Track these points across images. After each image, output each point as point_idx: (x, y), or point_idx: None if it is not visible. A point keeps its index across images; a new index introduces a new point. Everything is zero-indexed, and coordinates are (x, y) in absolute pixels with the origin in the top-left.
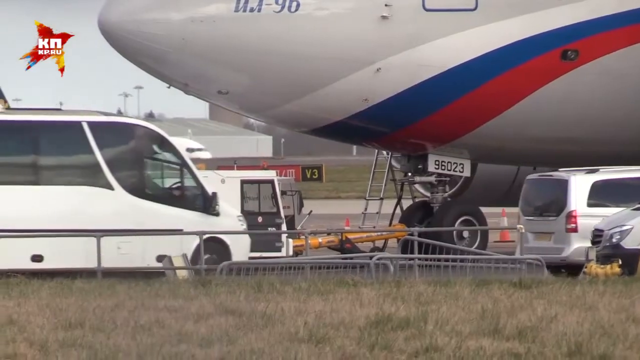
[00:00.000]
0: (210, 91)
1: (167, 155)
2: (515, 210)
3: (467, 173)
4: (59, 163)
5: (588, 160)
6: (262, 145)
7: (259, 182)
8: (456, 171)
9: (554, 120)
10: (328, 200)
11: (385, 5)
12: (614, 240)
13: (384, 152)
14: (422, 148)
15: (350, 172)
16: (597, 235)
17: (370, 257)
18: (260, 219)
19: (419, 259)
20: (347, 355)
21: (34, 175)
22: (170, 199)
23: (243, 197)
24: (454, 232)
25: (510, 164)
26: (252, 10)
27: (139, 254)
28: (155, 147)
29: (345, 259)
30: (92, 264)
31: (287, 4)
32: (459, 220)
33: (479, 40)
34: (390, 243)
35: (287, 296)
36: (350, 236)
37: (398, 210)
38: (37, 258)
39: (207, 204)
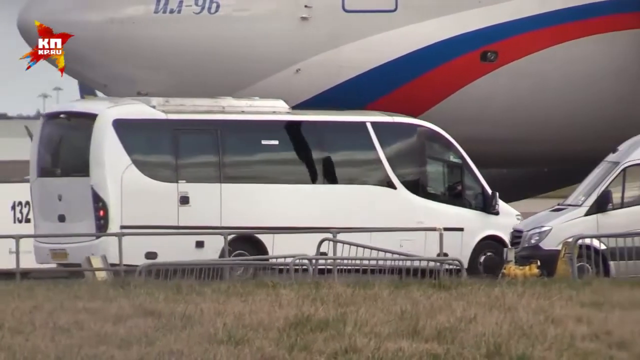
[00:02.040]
0: (130, 92)
1: (448, 155)
2: None
3: None
4: (344, 162)
5: (512, 160)
6: None
7: None
8: None
9: (475, 121)
10: None
11: (305, 6)
12: (532, 241)
13: None
14: None
15: None
16: (516, 237)
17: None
18: None
19: (339, 260)
20: (266, 356)
21: (319, 174)
22: (451, 198)
23: None
24: None
25: None
26: (171, 11)
27: (420, 251)
28: (436, 147)
29: (264, 260)
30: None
31: (207, 5)
32: None
33: (399, 41)
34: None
35: (206, 297)
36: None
37: None
38: (322, 255)
39: (487, 203)
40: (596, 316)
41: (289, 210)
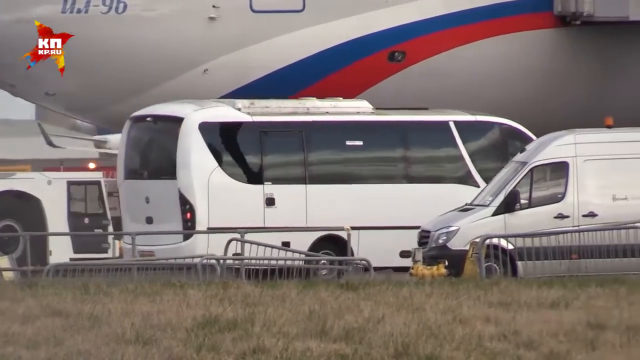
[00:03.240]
0: (38, 93)
1: None
2: None
3: None
4: (427, 161)
5: None
6: (88, 146)
7: (85, 183)
8: None
9: None
10: None
11: (213, 6)
12: (440, 241)
13: None
14: None
15: None
16: (423, 237)
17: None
18: (86, 220)
19: (247, 260)
20: (174, 356)
21: (403, 174)
22: None
23: (70, 198)
24: None
25: None
26: (79, 11)
27: None
28: (518, 144)
29: (172, 260)
30: None
31: (114, 5)
32: None
33: (306, 41)
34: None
35: (113, 297)
36: None
37: None
38: (405, 254)
39: None
40: (504, 316)
41: (374, 210)
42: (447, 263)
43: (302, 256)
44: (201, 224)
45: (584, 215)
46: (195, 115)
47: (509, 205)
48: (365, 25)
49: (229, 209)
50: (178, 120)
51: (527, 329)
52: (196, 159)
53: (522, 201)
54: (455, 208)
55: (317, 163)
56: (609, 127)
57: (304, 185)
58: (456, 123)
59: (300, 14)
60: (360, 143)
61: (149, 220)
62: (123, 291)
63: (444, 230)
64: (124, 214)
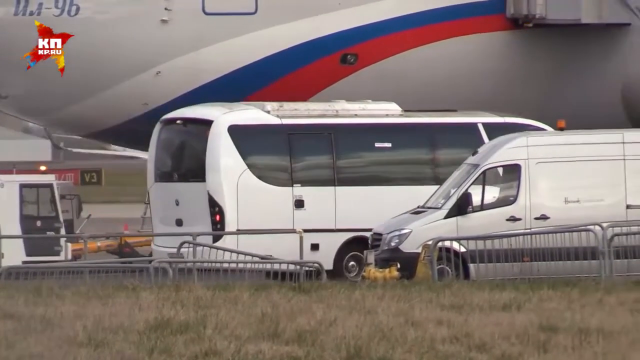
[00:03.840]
0: None
1: None
2: None
3: None
4: (456, 164)
5: None
6: (41, 149)
7: (37, 186)
8: None
9: None
10: (107, 205)
11: (165, 9)
12: (392, 244)
13: None
14: None
15: (133, 176)
16: (375, 239)
17: (150, 261)
18: (39, 223)
19: (198, 262)
20: (126, 359)
21: (432, 176)
22: None
23: (22, 201)
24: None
25: None
26: (31, 14)
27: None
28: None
29: (124, 263)
30: None
31: (66, 8)
32: None
33: (259, 43)
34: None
35: (66, 300)
36: (129, 240)
37: None
38: None
39: None
40: (456, 319)
41: (403, 212)
42: (399, 266)
43: (256, 259)
44: (230, 226)
45: (536, 218)
46: (224, 117)
47: (461, 207)
48: (317, 28)
49: (258, 211)
50: (207, 123)
51: (479, 332)
52: (225, 162)
53: (475, 204)
54: (407, 210)
55: (346, 165)
56: (562, 129)
57: (333, 187)
58: (484, 125)
59: (253, 17)
60: (389, 145)
61: (179, 223)
62: (75, 294)
63: (396, 233)
64: (154, 216)
